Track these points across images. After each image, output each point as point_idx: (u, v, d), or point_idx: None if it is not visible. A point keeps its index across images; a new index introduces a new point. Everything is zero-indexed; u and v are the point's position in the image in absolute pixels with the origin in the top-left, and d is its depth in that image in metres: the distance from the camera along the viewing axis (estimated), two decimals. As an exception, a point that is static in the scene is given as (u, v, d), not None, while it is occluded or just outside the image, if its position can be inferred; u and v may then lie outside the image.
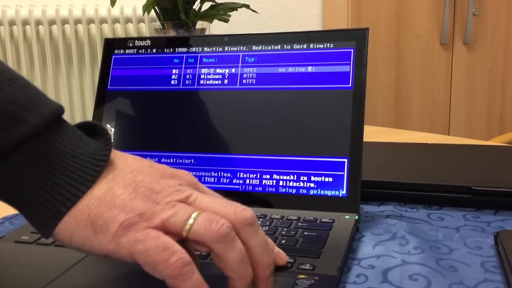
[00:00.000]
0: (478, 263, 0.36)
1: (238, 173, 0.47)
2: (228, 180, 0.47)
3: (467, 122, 1.96)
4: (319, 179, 0.45)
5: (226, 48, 0.50)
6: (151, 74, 0.52)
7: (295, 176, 0.46)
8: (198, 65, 0.51)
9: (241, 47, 0.50)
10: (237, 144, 0.48)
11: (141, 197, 0.28)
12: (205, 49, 0.51)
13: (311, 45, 0.48)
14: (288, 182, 0.46)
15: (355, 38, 0.47)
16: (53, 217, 0.28)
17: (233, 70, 0.50)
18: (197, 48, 0.51)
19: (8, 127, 0.27)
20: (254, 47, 0.50)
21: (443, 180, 0.49)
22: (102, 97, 0.53)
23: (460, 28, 1.88)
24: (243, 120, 0.48)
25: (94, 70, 1.92)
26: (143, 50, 0.53)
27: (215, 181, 0.47)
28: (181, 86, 0.51)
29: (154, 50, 0.53)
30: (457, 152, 0.60)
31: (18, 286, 0.33)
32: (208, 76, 0.50)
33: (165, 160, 0.49)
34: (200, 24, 0.76)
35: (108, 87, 0.53)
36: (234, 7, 0.77)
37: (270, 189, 0.46)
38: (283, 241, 0.38)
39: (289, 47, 0.49)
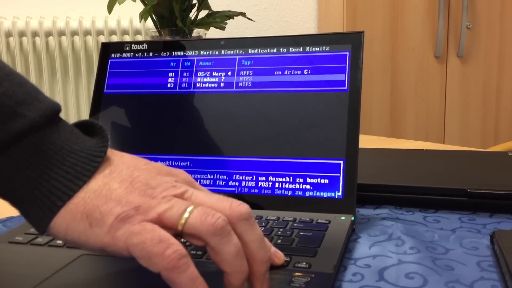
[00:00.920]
0: (474, 262, 0.36)
1: (234, 176, 0.47)
2: (224, 182, 0.47)
3: (461, 134, 1.97)
4: (315, 180, 0.45)
5: (222, 52, 0.51)
6: (148, 78, 0.52)
7: (291, 178, 0.46)
8: (194, 69, 0.51)
9: (237, 51, 0.50)
10: (233, 146, 0.48)
11: (137, 192, 0.28)
12: (202, 52, 0.51)
13: (307, 48, 0.48)
14: (284, 184, 0.46)
15: (351, 41, 0.47)
16: (48, 211, 0.28)
17: (229, 73, 0.50)
18: (193, 52, 0.52)
19: (6, 121, 0.27)
20: (250, 51, 0.50)
21: (438, 183, 0.49)
22: (98, 100, 0.53)
23: (454, 41, 1.89)
24: (239, 123, 0.48)
25: (90, 82, 1.92)
26: (140, 53, 0.53)
27: (211, 183, 0.47)
28: (177, 89, 0.51)
29: (151, 54, 0.53)
30: (452, 157, 0.60)
31: (11, 285, 0.33)
32: (205, 79, 0.50)
33: (161, 163, 0.49)
34: (196, 32, 0.76)
35: (105, 91, 0.53)
36: (230, 15, 0.77)
37: (266, 191, 0.46)
38: (279, 241, 0.38)
39: (285, 50, 0.49)
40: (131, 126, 0.51)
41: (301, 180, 0.45)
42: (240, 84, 0.49)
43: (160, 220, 0.28)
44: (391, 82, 1.89)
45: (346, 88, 0.47)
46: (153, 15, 0.75)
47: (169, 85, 0.51)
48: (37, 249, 0.38)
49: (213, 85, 0.50)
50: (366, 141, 0.90)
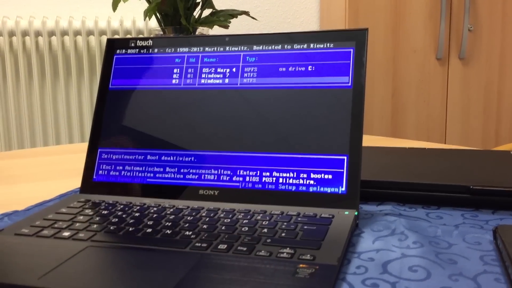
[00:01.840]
0: (477, 256, 0.37)
1: (238, 171, 0.47)
2: (228, 177, 0.47)
3: (462, 136, 1.98)
4: (318, 176, 0.45)
5: (227, 48, 0.51)
6: (152, 74, 0.52)
7: (295, 173, 0.46)
8: (199, 65, 0.51)
9: (242, 47, 0.51)
10: (237, 142, 0.48)
11: None
12: (206, 49, 0.52)
13: (312, 45, 0.49)
14: (288, 179, 0.46)
15: (355, 38, 0.48)
16: None
17: (234, 69, 0.50)
18: (198, 48, 0.52)
19: None
20: (255, 47, 0.50)
21: (441, 180, 0.49)
22: (104, 96, 0.53)
23: (455, 43, 1.90)
24: (244, 119, 0.48)
25: (93, 82, 1.93)
26: (145, 50, 0.54)
27: (215, 178, 0.48)
28: (182, 86, 0.51)
29: (156, 50, 0.53)
30: (454, 156, 0.61)
31: (17, 275, 0.33)
32: (209, 75, 0.51)
33: (166, 158, 0.49)
34: (200, 30, 0.77)
35: (110, 87, 0.53)
36: (234, 14, 0.78)
37: (270, 186, 0.46)
38: (283, 234, 0.38)
39: (289, 47, 0.49)
40: (136, 122, 0.51)
41: (305, 175, 0.46)
42: (245, 80, 0.50)
43: None
44: (393, 83, 1.90)
45: (350, 84, 0.47)
46: (157, 13, 0.75)
47: (174, 81, 0.52)
48: (43, 240, 0.39)
49: (217, 81, 0.50)
50: (368, 141, 0.90)
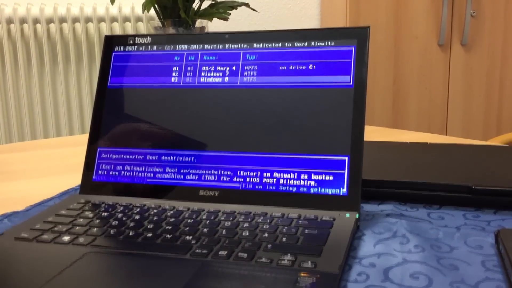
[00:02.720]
0: (479, 262, 0.36)
1: (239, 171, 0.47)
2: (228, 178, 0.47)
3: (464, 122, 1.97)
4: (319, 177, 0.45)
5: (226, 46, 0.50)
6: (151, 72, 0.52)
7: (296, 174, 0.46)
8: (198, 63, 0.51)
9: (242, 45, 0.50)
10: (238, 142, 0.48)
11: None
12: (206, 46, 0.51)
13: (312, 43, 0.48)
14: (288, 180, 0.46)
15: (356, 37, 0.47)
16: None
17: (233, 67, 0.50)
18: (197, 46, 0.51)
19: None
20: (255, 45, 0.50)
21: (442, 179, 0.49)
22: (102, 94, 0.53)
23: (458, 29, 1.88)
24: (244, 118, 0.48)
25: (92, 69, 1.92)
26: (144, 47, 0.53)
27: (215, 179, 0.47)
28: (181, 84, 0.51)
29: (155, 47, 0.52)
30: (456, 152, 0.60)
31: (18, 284, 0.33)
32: (209, 74, 0.50)
33: (165, 158, 0.49)
34: (199, 23, 0.75)
35: (108, 85, 0.53)
36: (233, 5, 0.77)
37: (271, 187, 0.46)
38: (284, 239, 0.38)
39: (290, 45, 0.49)
40: (135, 121, 0.51)
41: (306, 176, 0.45)
42: (245, 79, 0.49)
43: None
44: (394, 70, 1.88)
45: (351, 83, 0.46)
46: (156, 6, 0.74)
47: (173, 79, 0.51)
48: (43, 246, 0.39)
49: (217, 79, 0.50)
50: (369, 133, 0.90)
